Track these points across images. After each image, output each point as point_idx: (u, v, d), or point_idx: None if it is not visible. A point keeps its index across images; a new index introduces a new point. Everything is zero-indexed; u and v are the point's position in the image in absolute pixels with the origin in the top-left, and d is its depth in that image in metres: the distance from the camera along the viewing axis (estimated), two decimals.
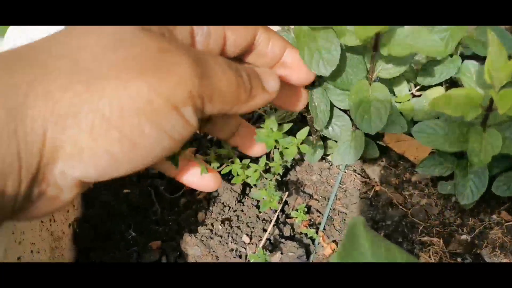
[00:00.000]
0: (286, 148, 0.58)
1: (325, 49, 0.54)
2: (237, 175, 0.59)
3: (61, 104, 0.34)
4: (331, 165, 0.79)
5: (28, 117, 0.33)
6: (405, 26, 0.57)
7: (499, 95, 0.47)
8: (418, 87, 0.78)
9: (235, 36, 0.45)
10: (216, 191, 0.76)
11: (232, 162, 0.58)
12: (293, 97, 0.55)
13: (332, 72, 0.57)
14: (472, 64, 0.57)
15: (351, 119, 0.69)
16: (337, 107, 0.69)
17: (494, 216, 0.67)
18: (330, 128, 0.69)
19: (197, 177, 0.54)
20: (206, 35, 0.43)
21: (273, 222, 0.68)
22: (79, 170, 0.36)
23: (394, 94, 0.78)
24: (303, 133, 0.59)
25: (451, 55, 0.68)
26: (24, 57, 0.36)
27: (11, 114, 0.33)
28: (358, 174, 0.77)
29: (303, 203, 0.74)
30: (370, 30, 0.51)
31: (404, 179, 0.75)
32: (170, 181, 0.81)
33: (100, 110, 0.34)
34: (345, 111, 0.68)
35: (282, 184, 0.77)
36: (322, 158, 0.80)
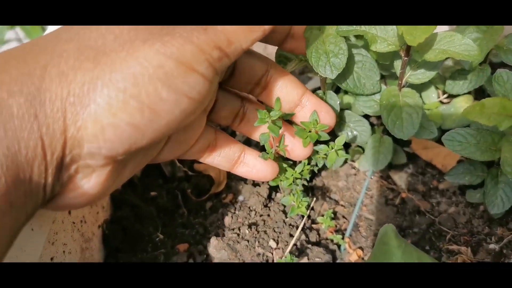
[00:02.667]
0: (325, 155, 0.59)
1: (332, 52, 0.54)
2: (285, 171, 0.60)
3: (75, 83, 0.34)
4: (357, 171, 0.79)
5: (46, 100, 0.34)
6: (438, 31, 0.57)
7: None
8: (446, 95, 0.77)
9: None
10: (242, 195, 0.77)
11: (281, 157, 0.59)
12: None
13: (342, 75, 0.58)
14: (505, 73, 0.56)
15: (370, 124, 0.69)
16: (355, 113, 0.69)
17: None
18: (349, 133, 0.69)
19: (252, 167, 0.56)
20: None
21: (300, 228, 0.69)
22: (106, 148, 0.36)
23: (423, 101, 0.78)
24: (340, 140, 0.59)
25: (481, 64, 0.68)
26: (36, 46, 0.37)
27: (29, 99, 0.33)
28: (385, 180, 0.77)
29: (329, 209, 0.74)
30: (420, 37, 0.49)
31: (431, 186, 0.75)
32: (197, 184, 0.81)
33: (113, 83, 0.34)
34: (364, 116, 0.68)
35: (308, 190, 0.78)
36: (349, 164, 0.80)
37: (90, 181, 0.38)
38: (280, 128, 0.55)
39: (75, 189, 0.38)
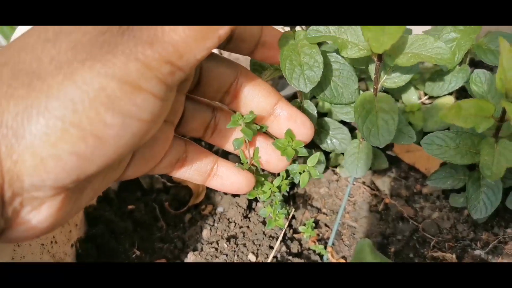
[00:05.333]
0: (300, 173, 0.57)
1: (307, 65, 0.52)
2: (262, 185, 0.58)
3: (8, 113, 0.31)
4: (339, 177, 0.77)
5: None
6: (410, 35, 0.55)
7: (510, 107, 0.44)
8: (427, 96, 0.76)
9: None
10: (222, 206, 0.75)
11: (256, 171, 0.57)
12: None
13: (318, 86, 0.55)
14: (482, 73, 0.54)
15: (350, 130, 0.67)
16: (335, 119, 0.67)
17: (509, 230, 0.64)
18: (329, 141, 0.66)
19: (226, 179, 0.53)
20: None
21: (279, 239, 0.67)
22: (50, 180, 0.33)
23: (403, 103, 0.76)
24: (312, 160, 0.57)
25: (460, 64, 0.66)
26: None
27: None
28: (367, 186, 0.75)
29: (311, 217, 0.72)
30: (386, 43, 0.46)
31: (415, 191, 0.73)
32: (176, 196, 0.79)
33: (50, 111, 0.31)
34: (344, 122, 0.66)
35: (290, 198, 0.76)
36: (331, 170, 0.78)
37: (40, 213, 0.36)
38: (255, 133, 0.52)
39: (23, 223, 0.35)
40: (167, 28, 0.34)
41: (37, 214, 0.36)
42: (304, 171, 0.57)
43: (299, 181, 0.70)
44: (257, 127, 0.52)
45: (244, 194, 0.61)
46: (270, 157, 0.55)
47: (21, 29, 0.71)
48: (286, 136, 0.52)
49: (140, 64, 0.33)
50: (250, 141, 0.53)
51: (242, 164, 0.55)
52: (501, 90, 0.46)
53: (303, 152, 0.54)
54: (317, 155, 0.56)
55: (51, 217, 0.36)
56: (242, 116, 0.50)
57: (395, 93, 0.80)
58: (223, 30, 0.37)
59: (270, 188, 0.58)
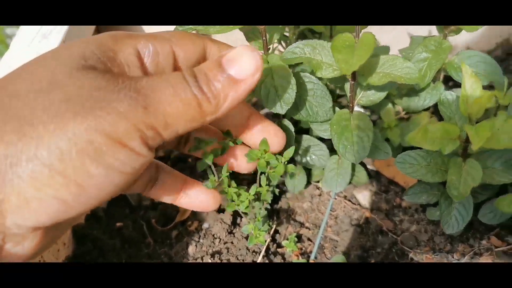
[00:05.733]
0: (273, 171, 0.58)
1: (281, 87, 0.54)
2: (232, 200, 0.60)
3: None
4: (321, 191, 0.79)
5: None
6: (381, 55, 0.57)
7: (473, 130, 0.47)
8: (405, 111, 0.78)
9: (183, 52, 0.44)
10: (207, 222, 0.77)
11: (229, 186, 0.59)
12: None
13: (293, 107, 0.57)
14: (450, 94, 0.57)
15: (328, 147, 0.69)
16: (313, 136, 0.69)
17: (484, 242, 0.66)
18: (308, 157, 0.69)
19: (194, 198, 0.54)
20: (153, 55, 0.42)
21: (262, 254, 0.68)
22: (31, 220, 0.35)
23: (381, 118, 0.78)
24: (289, 152, 0.59)
25: (434, 81, 0.68)
26: None
27: None
28: (349, 200, 0.77)
29: (294, 232, 0.74)
30: (355, 65, 0.49)
31: (394, 204, 0.75)
32: (163, 213, 0.81)
33: (39, 158, 0.33)
34: (323, 139, 0.68)
35: (273, 212, 0.77)
36: (313, 185, 0.80)
37: (23, 247, 0.37)
38: (216, 155, 0.55)
39: (7, 256, 0.37)
40: (164, 98, 0.37)
41: (20, 249, 0.37)
42: (277, 166, 0.58)
43: (283, 192, 0.72)
44: (229, 143, 0.55)
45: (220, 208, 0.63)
46: (240, 161, 0.57)
47: (23, 30, 0.72)
48: (260, 147, 0.55)
49: (130, 124, 0.35)
50: (210, 164, 0.55)
51: (211, 182, 0.57)
52: (464, 113, 0.49)
53: (274, 163, 0.56)
54: (292, 148, 0.58)
55: (34, 248, 0.38)
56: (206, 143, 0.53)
57: (375, 108, 0.83)
58: (209, 118, 0.40)
59: (247, 198, 0.60)
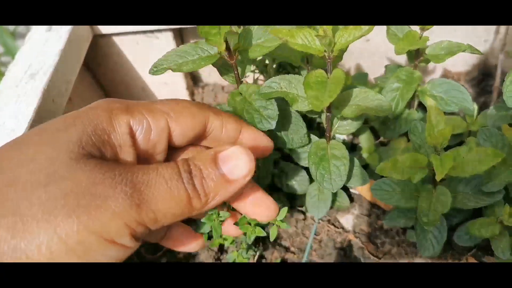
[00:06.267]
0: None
1: (262, 107, 0.56)
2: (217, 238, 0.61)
3: None
4: (306, 216, 0.81)
5: None
6: (354, 88, 0.60)
7: (438, 160, 0.49)
8: (382, 137, 0.80)
9: (180, 127, 0.44)
10: None
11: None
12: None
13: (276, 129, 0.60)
14: (420, 124, 0.59)
15: (308, 173, 0.71)
16: (292, 162, 0.71)
17: (463, 261, 0.68)
18: (289, 183, 0.71)
19: (177, 242, 0.53)
20: (146, 132, 0.42)
21: None
22: None
23: (361, 145, 0.81)
24: (282, 213, 0.61)
25: (409, 107, 0.71)
26: None
27: None
28: (332, 224, 0.79)
29: (279, 257, 0.76)
30: (326, 101, 0.50)
31: (376, 227, 0.77)
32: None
33: (27, 255, 0.33)
34: (302, 166, 0.71)
35: (259, 238, 0.79)
36: (298, 209, 0.82)
37: None
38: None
39: None
40: (157, 194, 0.37)
41: None
42: (274, 225, 0.60)
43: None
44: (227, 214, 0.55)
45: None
46: (229, 226, 0.56)
47: (37, 30, 0.75)
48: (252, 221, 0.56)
49: (122, 223, 0.35)
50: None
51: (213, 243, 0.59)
52: (430, 144, 0.51)
53: (262, 232, 0.58)
54: (285, 210, 0.60)
55: None
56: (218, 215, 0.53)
57: (355, 134, 0.85)
58: (195, 213, 0.40)
59: (233, 240, 0.62)
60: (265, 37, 0.56)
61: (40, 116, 0.61)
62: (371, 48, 0.96)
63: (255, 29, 0.57)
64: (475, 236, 0.62)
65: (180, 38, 0.95)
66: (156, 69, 0.56)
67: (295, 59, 0.66)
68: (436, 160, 0.49)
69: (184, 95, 1.02)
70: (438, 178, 0.47)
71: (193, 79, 1.06)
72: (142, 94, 1.00)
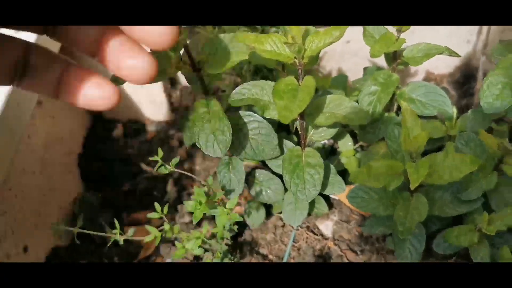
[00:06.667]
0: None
1: (219, 130, 0.54)
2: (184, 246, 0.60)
3: None
4: (284, 223, 0.79)
5: None
6: (327, 95, 0.58)
7: (413, 167, 0.47)
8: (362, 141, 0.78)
9: None
10: (171, 258, 0.76)
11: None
12: None
13: (238, 146, 0.58)
14: (397, 129, 0.57)
15: (282, 181, 0.69)
16: (269, 170, 0.69)
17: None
18: (263, 192, 0.69)
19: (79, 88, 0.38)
20: None
21: None
22: None
23: (339, 150, 0.79)
24: (232, 202, 0.59)
25: (388, 111, 0.69)
26: None
27: None
28: (311, 231, 0.77)
29: None
30: (295, 111, 0.48)
31: (356, 233, 0.75)
32: (126, 249, 0.81)
33: None
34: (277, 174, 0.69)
35: (237, 245, 0.77)
36: (277, 216, 0.80)
37: None
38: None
39: None
40: None
41: None
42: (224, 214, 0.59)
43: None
44: None
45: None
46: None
47: None
48: (196, 197, 0.55)
49: None
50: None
51: None
52: (405, 150, 0.49)
53: (239, 218, 0.57)
54: (235, 199, 0.58)
55: None
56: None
57: (334, 139, 0.83)
58: None
59: (198, 238, 0.60)
60: (233, 47, 0.52)
61: None
62: (352, 49, 0.94)
63: (224, 37, 0.53)
64: (452, 245, 0.61)
65: None
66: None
67: (270, 63, 0.64)
68: (410, 167, 0.47)
69: (161, 97, 0.99)
70: (412, 186, 0.45)
71: (171, 81, 1.04)
72: None
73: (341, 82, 0.81)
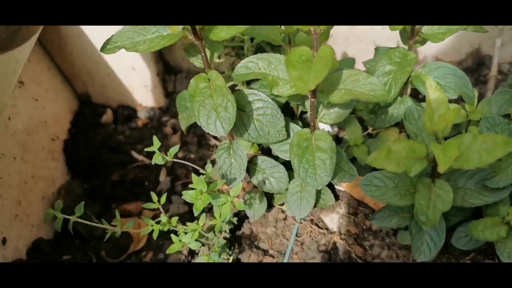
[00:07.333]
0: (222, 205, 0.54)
1: (221, 106, 0.49)
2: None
3: None
4: (286, 215, 0.73)
5: None
6: (344, 70, 0.52)
7: (440, 149, 0.42)
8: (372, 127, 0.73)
9: None
10: (163, 252, 0.70)
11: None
12: None
13: (241, 126, 0.53)
14: (416, 110, 0.52)
15: (287, 169, 0.63)
16: (271, 157, 0.64)
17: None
18: (266, 181, 0.63)
19: None
20: None
21: None
22: None
23: (348, 136, 0.73)
24: (236, 190, 0.54)
25: (401, 95, 0.64)
26: None
27: None
28: (315, 224, 0.72)
29: (257, 260, 0.68)
30: (311, 82, 0.42)
31: (364, 227, 0.70)
32: (116, 244, 0.74)
33: None
34: (280, 161, 0.63)
35: (235, 239, 0.72)
36: (277, 208, 0.74)
37: None
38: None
39: None
40: None
41: None
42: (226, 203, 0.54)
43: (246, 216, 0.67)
44: None
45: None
46: None
47: None
48: (196, 186, 0.50)
49: None
50: None
51: None
52: (429, 131, 0.44)
53: (244, 207, 0.52)
54: (240, 185, 0.53)
55: None
56: None
57: (341, 125, 0.78)
58: None
59: (195, 230, 0.55)
60: None
61: None
62: (358, 33, 0.89)
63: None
64: (476, 239, 0.55)
65: None
66: (109, 47, 0.48)
67: (276, 38, 0.58)
68: (437, 149, 0.42)
69: (154, 81, 0.93)
70: (441, 170, 0.39)
71: (165, 65, 0.97)
72: (107, 80, 0.91)
73: (348, 66, 0.75)
